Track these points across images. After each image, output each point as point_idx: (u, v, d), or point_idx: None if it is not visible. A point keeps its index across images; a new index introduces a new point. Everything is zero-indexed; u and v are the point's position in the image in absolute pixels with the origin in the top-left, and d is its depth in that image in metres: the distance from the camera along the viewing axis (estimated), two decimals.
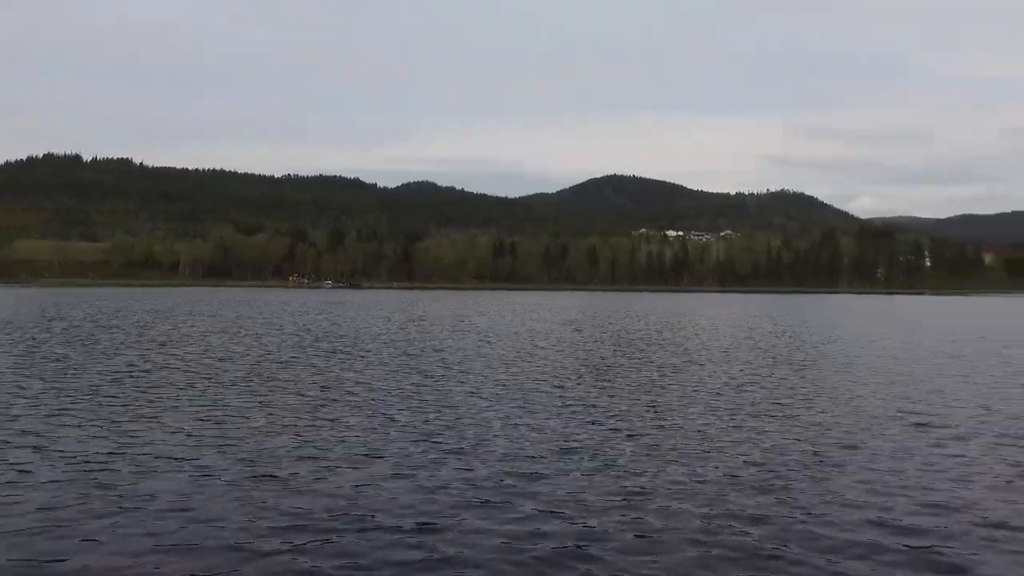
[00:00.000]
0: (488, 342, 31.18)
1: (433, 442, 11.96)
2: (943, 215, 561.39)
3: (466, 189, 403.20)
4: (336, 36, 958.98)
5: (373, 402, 15.73)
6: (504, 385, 18.38)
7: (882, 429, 13.12)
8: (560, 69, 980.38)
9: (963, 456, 11.20)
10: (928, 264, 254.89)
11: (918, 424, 13.58)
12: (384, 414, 14.33)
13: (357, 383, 18.54)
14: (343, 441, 11.99)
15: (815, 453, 11.38)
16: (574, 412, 14.66)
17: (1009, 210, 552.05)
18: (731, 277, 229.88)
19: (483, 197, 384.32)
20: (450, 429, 12.98)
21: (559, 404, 15.60)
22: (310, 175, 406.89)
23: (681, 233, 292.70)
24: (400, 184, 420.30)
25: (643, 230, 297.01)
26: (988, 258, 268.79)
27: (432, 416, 14.13)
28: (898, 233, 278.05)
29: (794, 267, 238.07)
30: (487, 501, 9.01)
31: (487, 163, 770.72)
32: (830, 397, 16.88)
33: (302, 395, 16.57)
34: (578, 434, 12.66)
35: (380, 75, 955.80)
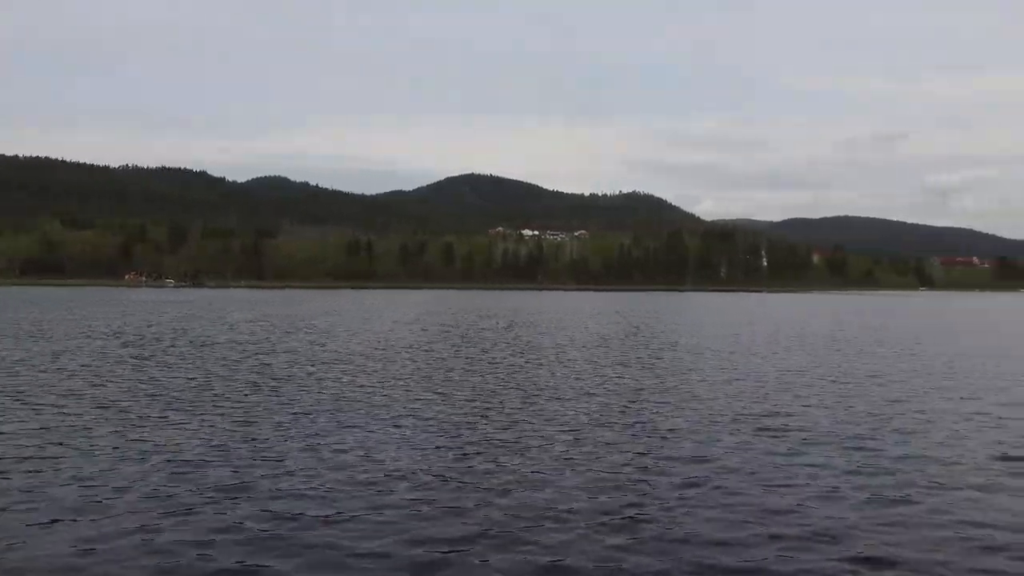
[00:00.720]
0: (322, 344, 29.35)
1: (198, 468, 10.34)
2: (778, 218, 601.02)
3: (320, 185, 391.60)
4: (188, 21, 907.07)
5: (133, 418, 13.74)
6: (322, 392, 16.82)
7: (720, 431, 12.71)
8: (419, 68, 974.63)
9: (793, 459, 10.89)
10: (765, 263, 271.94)
11: (761, 428, 13.15)
12: (136, 436, 12.39)
13: (142, 392, 16.39)
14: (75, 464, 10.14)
15: (654, 467, 10.62)
16: (395, 426, 13.35)
17: (833, 215, 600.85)
18: (585, 275, 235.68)
19: (338, 194, 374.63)
20: (234, 449, 11.36)
21: (379, 414, 14.27)
22: (152, 167, 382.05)
23: (537, 232, 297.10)
24: (251, 179, 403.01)
25: (500, 229, 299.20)
26: (816, 258, 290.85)
27: (220, 433, 12.42)
28: (738, 234, 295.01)
29: (644, 265, 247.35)
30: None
31: (343, 160, 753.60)
32: (674, 401, 16.40)
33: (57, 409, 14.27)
34: (389, 453, 11.38)
35: (233, 67, 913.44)
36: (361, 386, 17.98)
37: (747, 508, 8.64)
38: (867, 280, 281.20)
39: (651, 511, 8.55)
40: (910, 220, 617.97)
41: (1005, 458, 11.02)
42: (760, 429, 12.87)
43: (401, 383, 18.59)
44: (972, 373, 20.39)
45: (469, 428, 13.01)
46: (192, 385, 17.80)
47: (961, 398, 16.69)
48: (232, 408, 14.73)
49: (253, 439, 11.96)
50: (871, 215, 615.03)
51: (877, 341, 29.95)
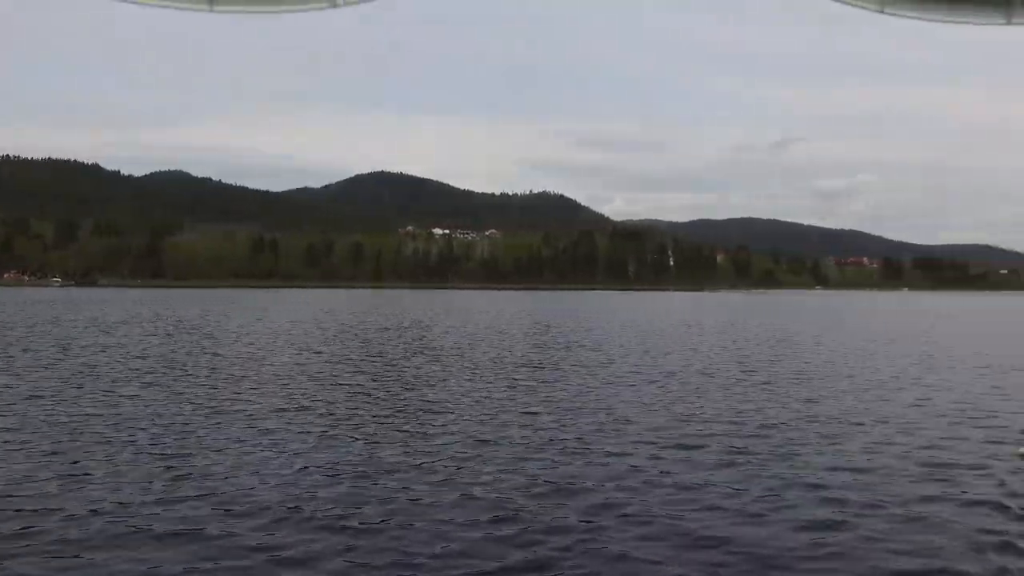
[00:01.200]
0: (203, 348, 26.95)
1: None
2: (684, 219, 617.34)
3: (224, 181, 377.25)
4: (83, 6, 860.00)
5: None
6: (158, 400, 14.80)
7: (630, 445, 11.45)
8: (328, 62, 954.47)
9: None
10: (672, 263, 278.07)
11: (674, 438, 12.00)
12: None
13: None
14: None
15: (553, 489, 9.24)
16: (239, 440, 11.54)
17: (736, 216, 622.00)
18: (496, 274, 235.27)
19: (243, 190, 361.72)
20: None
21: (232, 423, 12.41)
22: (37, 158, 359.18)
23: (448, 232, 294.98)
24: (148, 172, 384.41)
25: (410, 228, 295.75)
26: (720, 258, 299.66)
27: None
28: (647, 235, 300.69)
29: (555, 265, 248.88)
30: None
31: (248, 155, 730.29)
32: (579, 409, 15.06)
33: None
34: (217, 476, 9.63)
35: (133, 55, 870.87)
36: (232, 393, 16.01)
37: (666, 532, 7.36)
38: (768, 280, 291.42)
39: (550, 543, 7.15)
40: (806, 222, 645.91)
41: (928, 464, 10.13)
42: (673, 439, 11.68)
43: (273, 390, 16.70)
44: (890, 373, 20.03)
45: (345, 445, 11.35)
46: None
47: (880, 400, 16.06)
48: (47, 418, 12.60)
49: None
50: (771, 216, 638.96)
51: (786, 340, 29.73)
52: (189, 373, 19.25)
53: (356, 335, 32.64)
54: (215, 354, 24.23)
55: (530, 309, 54.12)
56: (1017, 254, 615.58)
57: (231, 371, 19.73)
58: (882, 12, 4.08)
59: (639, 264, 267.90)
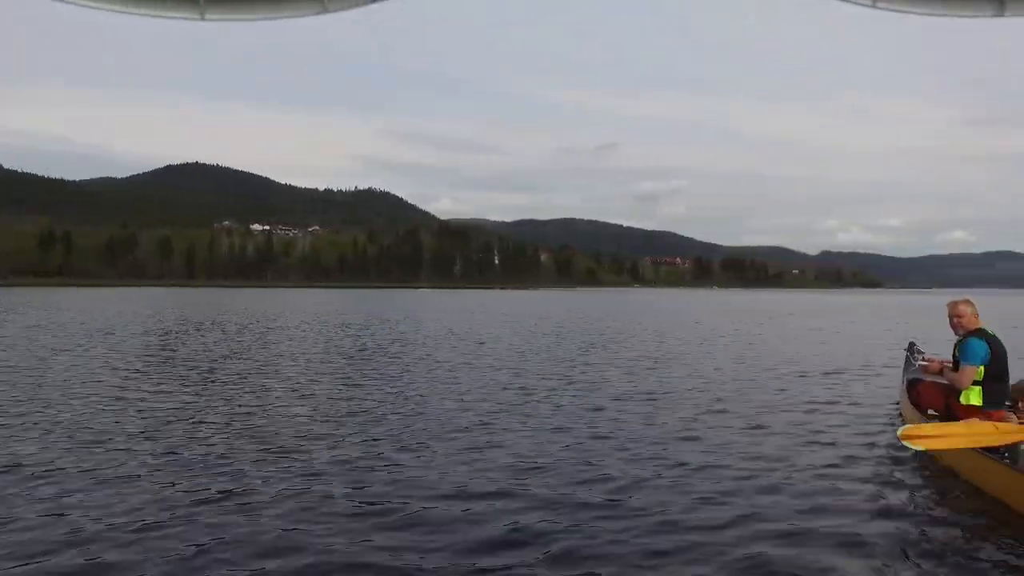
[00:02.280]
0: None
1: None
2: (510, 219, 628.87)
3: (6, 167, 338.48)
4: None
5: None
6: None
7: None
8: (140, 44, 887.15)
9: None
10: (498, 262, 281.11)
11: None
12: None
13: None
14: None
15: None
16: None
17: (560, 217, 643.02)
18: (317, 273, 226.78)
19: (31, 177, 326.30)
20: None
21: None
22: None
23: (268, 227, 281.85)
24: None
25: (226, 223, 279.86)
26: (544, 257, 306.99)
27: None
28: (472, 233, 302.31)
29: (379, 262, 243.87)
30: None
31: (38, 138, 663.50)
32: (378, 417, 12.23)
33: None
34: None
35: None
36: None
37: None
38: (590, 278, 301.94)
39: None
40: (626, 223, 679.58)
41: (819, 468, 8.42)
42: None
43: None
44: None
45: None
46: None
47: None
48: None
49: None
50: (592, 218, 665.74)
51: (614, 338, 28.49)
52: None
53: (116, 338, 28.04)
54: None
55: (344, 308, 50.62)
56: (805, 255, 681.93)
57: None
58: (874, 7, 4.24)
59: (465, 263, 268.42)
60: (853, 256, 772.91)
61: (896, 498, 6.32)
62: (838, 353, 19.77)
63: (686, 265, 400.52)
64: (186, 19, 3.88)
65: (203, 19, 3.88)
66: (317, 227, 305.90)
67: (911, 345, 11.43)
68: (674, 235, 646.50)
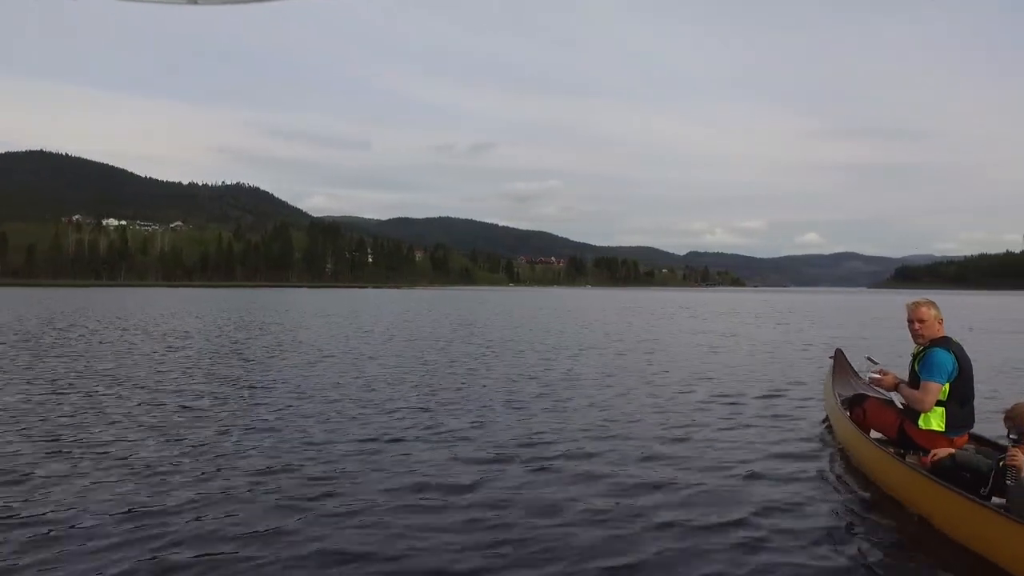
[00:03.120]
0: None
1: None
2: (384, 217, 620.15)
3: None
4: None
5: None
6: None
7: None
8: None
9: None
10: (371, 260, 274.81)
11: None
12: None
13: None
14: None
15: None
16: None
17: (435, 216, 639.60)
18: (178, 270, 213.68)
19: None
20: None
21: None
22: None
23: (124, 222, 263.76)
24: None
25: (76, 217, 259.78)
26: (419, 256, 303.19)
27: None
28: (345, 230, 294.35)
29: (246, 260, 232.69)
30: None
31: None
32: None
33: None
34: None
35: None
36: None
37: None
38: (465, 276, 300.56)
39: None
40: (501, 223, 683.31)
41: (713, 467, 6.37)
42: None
43: None
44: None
45: None
46: None
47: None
48: None
49: None
50: (468, 217, 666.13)
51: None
52: None
53: None
54: None
55: (182, 309, 46.02)
56: (674, 255, 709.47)
57: None
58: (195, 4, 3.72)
59: (338, 261, 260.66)
60: (718, 256, 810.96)
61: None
62: (748, 366, 18.27)
63: (560, 264, 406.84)
64: (178, 4, 3.56)
65: (196, 3, 3.60)
66: (180, 223, 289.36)
67: (838, 353, 9.73)
68: (548, 235, 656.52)
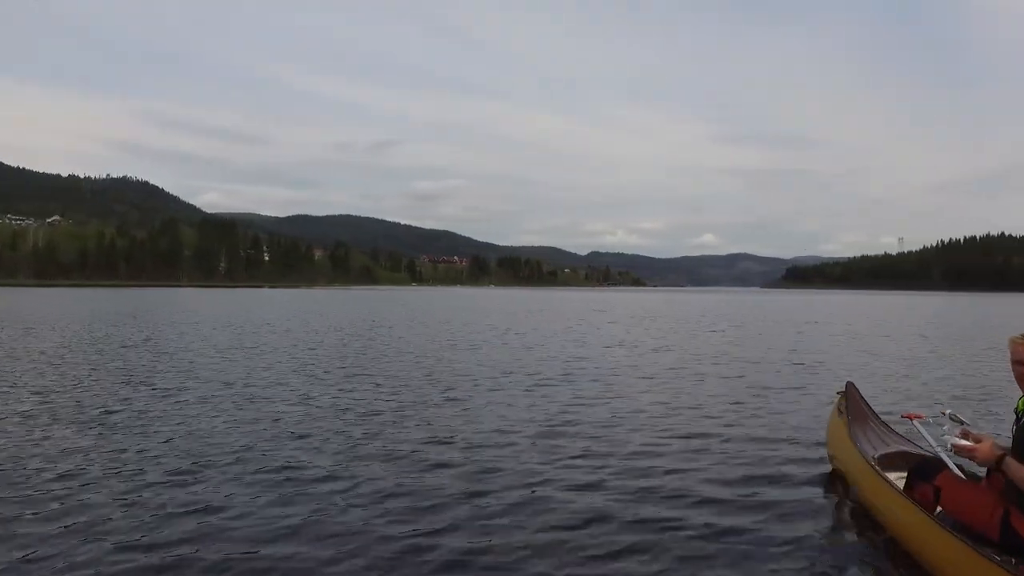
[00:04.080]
0: None
1: None
2: (283, 214, 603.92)
3: None
4: None
5: None
6: None
7: None
8: None
9: None
10: (267, 258, 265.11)
11: None
12: None
13: None
14: None
15: None
16: None
17: (336, 213, 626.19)
18: (53, 268, 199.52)
19: None
20: None
21: None
22: None
23: None
24: None
25: None
26: (318, 255, 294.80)
27: None
28: (240, 228, 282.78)
29: (131, 258, 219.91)
30: None
31: None
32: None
33: None
34: None
35: None
36: None
37: None
38: (367, 276, 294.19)
39: None
40: (404, 222, 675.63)
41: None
42: None
43: None
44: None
45: None
46: None
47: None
48: None
49: None
50: (370, 215, 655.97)
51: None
52: None
53: None
54: None
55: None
56: (576, 255, 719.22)
57: None
58: None
59: (231, 260, 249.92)
60: (619, 256, 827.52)
61: None
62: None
63: (464, 264, 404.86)
64: None
65: None
66: (58, 217, 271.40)
67: (850, 389, 6.90)
68: (452, 234, 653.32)
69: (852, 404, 6.62)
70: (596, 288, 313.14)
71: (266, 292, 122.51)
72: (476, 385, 12.16)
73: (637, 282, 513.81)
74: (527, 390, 11.63)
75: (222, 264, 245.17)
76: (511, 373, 13.85)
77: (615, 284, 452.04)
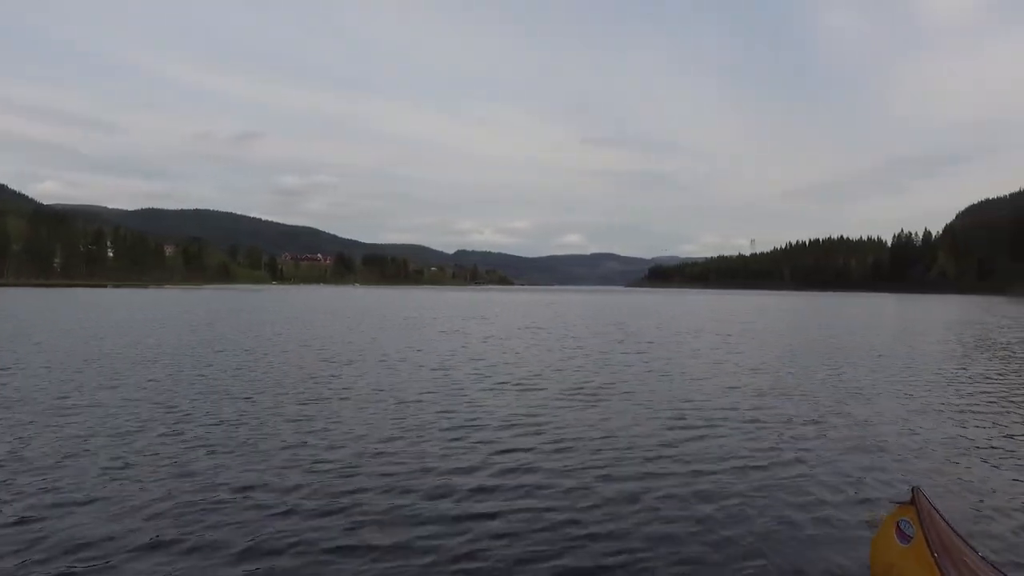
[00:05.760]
0: None
1: None
2: (132, 207, 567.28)
3: None
4: None
5: None
6: None
7: None
8: None
9: None
10: (111, 255, 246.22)
11: None
12: None
13: None
14: None
15: None
16: None
17: (190, 207, 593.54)
18: None
19: None
20: None
21: None
22: None
23: None
24: None
25: None
26: (170, 251, 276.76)
27: None
28: (79, 221, 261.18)
29: None
30: None
31: None
32: None
33: None
34: None
35: None
36: None
37: None
38: (223, 274, 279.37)
39: None
40: (265, 217, 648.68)
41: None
42: None
43: None
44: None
45: None
46: None
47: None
48: None
49: None
50: (229, 210, 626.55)
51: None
52: None
53: None
54: None
55: None
56: (442, 253, 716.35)
57: None
58: None
59: (69, 255, 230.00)
60: (486, 255, 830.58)
61: None
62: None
63: (328, 262, 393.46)
64: None
65: None
66: None
67: (919, 497, 4.22)
68: (316, 231, 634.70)
69: (929, 522, 4.05)
70: (467, 288, 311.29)
71: (107, 293, 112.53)
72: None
73: (504, 280, 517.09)
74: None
75: (57, 260, 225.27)
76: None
77: (482, 283, 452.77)
